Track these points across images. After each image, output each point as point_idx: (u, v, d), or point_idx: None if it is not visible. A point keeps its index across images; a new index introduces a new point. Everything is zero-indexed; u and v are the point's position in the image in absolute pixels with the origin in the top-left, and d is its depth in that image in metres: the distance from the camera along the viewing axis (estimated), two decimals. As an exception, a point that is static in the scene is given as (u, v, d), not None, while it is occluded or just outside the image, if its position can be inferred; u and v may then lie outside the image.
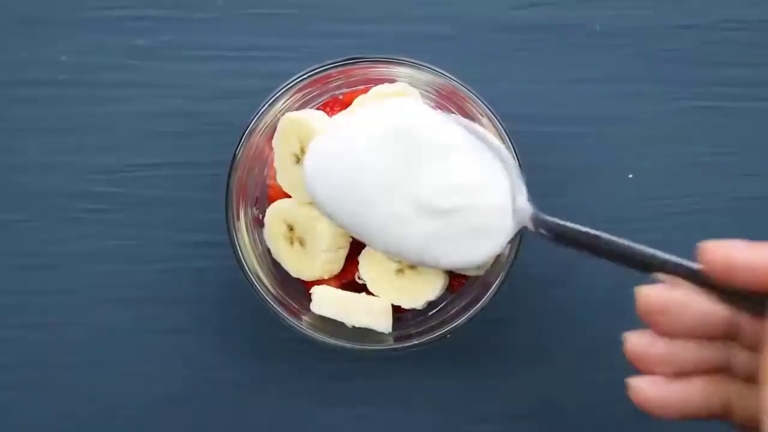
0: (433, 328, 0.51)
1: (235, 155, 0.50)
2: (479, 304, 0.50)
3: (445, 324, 0.50)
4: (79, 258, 0.56)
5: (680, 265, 0.37)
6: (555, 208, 0.54)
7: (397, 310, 0.51)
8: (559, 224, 0.43)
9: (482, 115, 0.50)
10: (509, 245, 0.49)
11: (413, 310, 0.51)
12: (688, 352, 0.38)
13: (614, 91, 0.56)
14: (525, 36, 0.56)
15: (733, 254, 0.35)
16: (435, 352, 0.53)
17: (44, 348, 0.55)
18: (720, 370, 0.38)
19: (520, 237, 0.48)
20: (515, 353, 0.55)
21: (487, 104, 0.50)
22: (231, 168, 0.50)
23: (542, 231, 0.44)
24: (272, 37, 0.56)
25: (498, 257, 0.50)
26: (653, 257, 0.38)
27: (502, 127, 0.49)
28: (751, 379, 0.37)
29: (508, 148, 0.49)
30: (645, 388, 0.38)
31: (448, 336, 0.50)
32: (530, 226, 0.45)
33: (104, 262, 0.56)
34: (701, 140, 0.56)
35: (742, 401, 0.38)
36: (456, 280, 0.52)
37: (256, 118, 0.50)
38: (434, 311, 0.52)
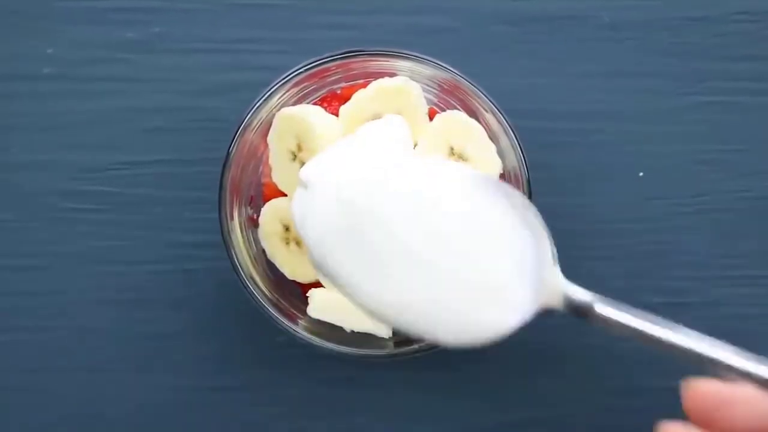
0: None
1: (228, 152, 0.49)
2: (483, 308, 0.49)
3: None
4: (68, 259, 0.55)
5: (750, 373, 0.35)
6: (560, 207, 0.55)
7: (397, 313, 0.50)
8: (604, 316, 0.38)
9: (486, 111, 0.50)
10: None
11: (415, 314, 0.51)
12: None
13: (622, 85, 0.55)
14: (530, 28, 0.55)
15: None
16: (437, 357, 0.52)
17: (32, 351, 0.55)
18: None
19: None
20: (521, 359, 0.55)
21: (490, 99, 0.49)
22: (224, 166, 0.49)
23: (577, 314, 0.40)
24: (268, 29, 0.55)
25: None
26: (718, 361, 0.36)
27: (507, 122, 0.49)
28: None
29: (512, 142, 0.48)
30: None
31: None
32: (559, 306, 0.41)
33: (93, 263, 0.55)
34: (711, 136, 0.56)
35: None
36: (460, 282, 0.51)
37: (250, 113, 0.49)
38: (437, 315, 0.51)
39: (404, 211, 0.41)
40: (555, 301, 0.40)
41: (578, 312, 0.39)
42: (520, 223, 0.42)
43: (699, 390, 0.35)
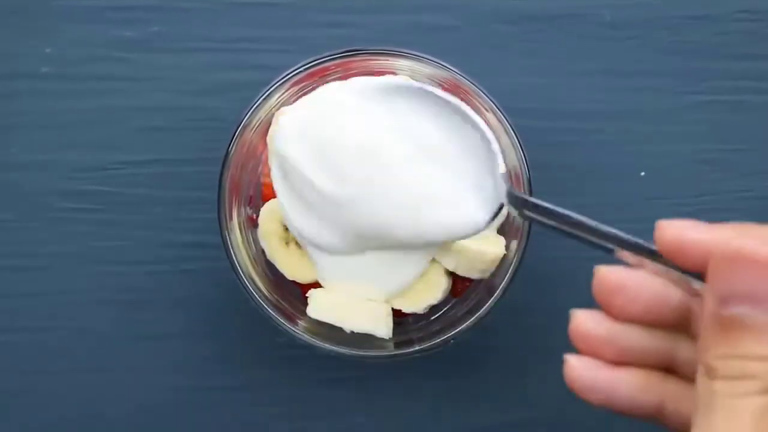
0: (435, 334, 0.50)
1: (227, 152, 0.49)
2: (484, 308, 0.49)
3: (447, 329, 0.50)
4: (67, 259, 0.54)
5: (638, 245, 0.37)
6: (561, 206, 0.53)
7: (397, 314, 0.50)
8: (528, 199, 0.42)
9: (487, 110, 0.49)
10: (515, 243, 0.49)
11: (415, 315, 0.51)
12: (634, 337, 0.37)
13: (624, 84, 0.55)
14: (531, 27, 0.55)
15: (684, 233, 0.35)
16: (437, 358, 0.52)
17: (31, 352, 0.54)
18: (662, 369, 0.37)
19: (526, 241, 0.48)
20: (522, 360, 0.55)
21: (491, 98, 0.49)
22: (223, 165, 0.49)
23: (514, 207, 0.43)
24: (267, 28, 0.55)
25: (503, 259, 0.49)
26: (614, 236, 0.38)
27: (508, 121, 0.49)
28: (691, 378, 0.36)
29: (512, 141, 0.49)
30: (578, 367, 0.38)
31: (452, 342, 0.49)
32: (505, 202, 0.43)
33: (92, 263, 0.55)
34: (712, 136, 0.55)
35: (676, 404, 0.37)
36: (459, 283, 0.51)
37: (249, 112, 0.49)
38: (436, 316, 0.52)
39: (321, 161, 0.45)
40: (503, 198, 0.43)
41: (516, 204, 0.42)
42: (462, 129, 0.44)
43: (601, 275, 0.37)
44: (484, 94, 0.49)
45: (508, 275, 0.49)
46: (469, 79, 0.49)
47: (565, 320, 0.54)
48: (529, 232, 0.48)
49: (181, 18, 0.55)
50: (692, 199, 0.55)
